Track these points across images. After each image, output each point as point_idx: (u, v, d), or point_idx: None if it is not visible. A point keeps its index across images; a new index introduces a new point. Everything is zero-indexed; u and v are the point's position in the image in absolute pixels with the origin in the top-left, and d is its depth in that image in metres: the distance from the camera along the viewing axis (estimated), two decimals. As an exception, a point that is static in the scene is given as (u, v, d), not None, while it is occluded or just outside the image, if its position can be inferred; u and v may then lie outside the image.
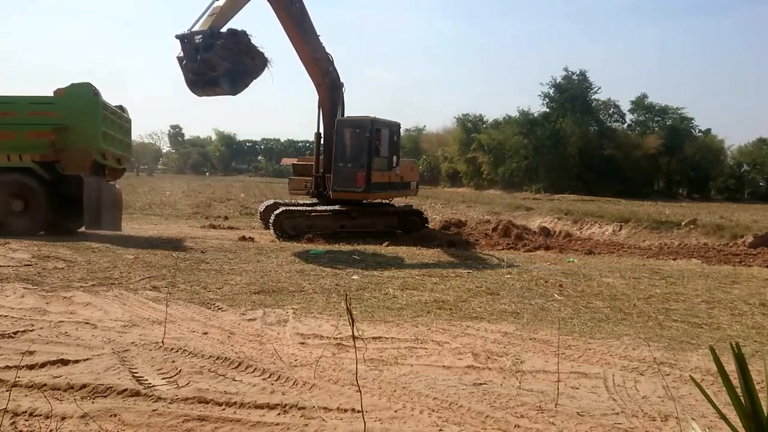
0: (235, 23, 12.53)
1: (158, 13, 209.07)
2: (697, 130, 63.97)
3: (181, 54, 12.03)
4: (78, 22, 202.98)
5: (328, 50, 15.08)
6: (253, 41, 12.48)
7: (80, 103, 12.53)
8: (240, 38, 12.16)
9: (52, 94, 12.58)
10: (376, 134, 14.99)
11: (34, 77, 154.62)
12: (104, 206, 13.09)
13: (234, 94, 12.44)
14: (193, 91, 12.27)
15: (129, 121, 15.02)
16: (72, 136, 12.47)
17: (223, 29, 12.06)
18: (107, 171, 13.94)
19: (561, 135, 59.10)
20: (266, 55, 12.71)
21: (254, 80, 12.62)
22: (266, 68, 12.72)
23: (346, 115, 15.56)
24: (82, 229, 13.54)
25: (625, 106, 64.95)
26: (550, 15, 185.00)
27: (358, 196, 15.02)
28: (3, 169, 12.53)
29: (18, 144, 12.49)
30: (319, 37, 14.72)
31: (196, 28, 12.01)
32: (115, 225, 13.76)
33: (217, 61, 11.63)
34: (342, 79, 15.54)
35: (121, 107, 14.56)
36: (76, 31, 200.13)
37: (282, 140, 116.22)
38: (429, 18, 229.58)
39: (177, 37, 12.04)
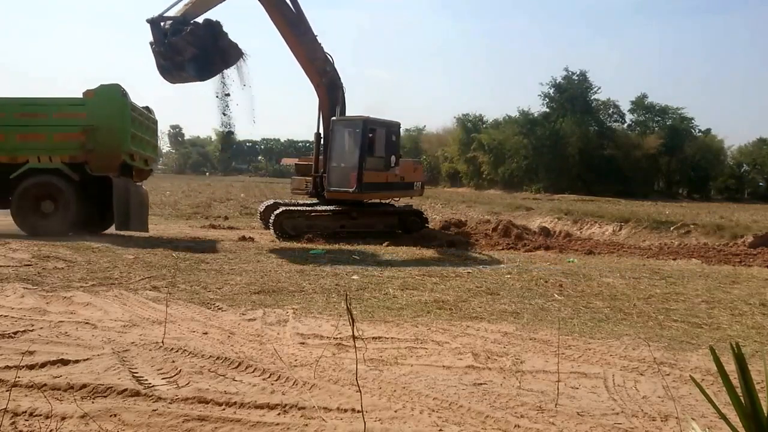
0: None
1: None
2: (697, 130, 64.24)
3: (152, 39, 12.07)
4: (78, 22, 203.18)
5: (327, 51, 15.09)
6: (234, 37, 12.62)
7: (109, 104, 12.56)
8: (214, 28, 12.20)
9: (81, 96, 12.61)
10: (372, 134, 14.95)
11: (34, 77, 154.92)
12: (133, 207, 13.12)
13: (202, 80, 12.58)
14: (164, 77, 12.37)
15: (155, 122, 15.06)
16: (101, 138, 12.49)
17: (199, 19, 12.11)
18: (134, 172, 13.94)
19: (561, 135, 59.16)
20: (241, 48, 12.83)
21: (225, 70, 12.77)
22: (241, 60, 12.79)
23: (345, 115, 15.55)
24: (111, 229, 13.50)
25: (625, 106, 65.20)
26: (551, 15, 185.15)
27: (350, 196, 14.96)
28: (32, 171, 12.54)
29: (47, 145, 12.52)
30: (317, 38, 14.71)
31: (169, 14, 12.07)
32: (143, 226, 13.76)
33: (184, 45, 11.68)
34: (342, 80, 15.56)
35: (147, 108, 14.56)
36: (77, 31, 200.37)
37: (282, 140, 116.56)
38: (429, 18, 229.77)
39: (147, 21, 12.05)
